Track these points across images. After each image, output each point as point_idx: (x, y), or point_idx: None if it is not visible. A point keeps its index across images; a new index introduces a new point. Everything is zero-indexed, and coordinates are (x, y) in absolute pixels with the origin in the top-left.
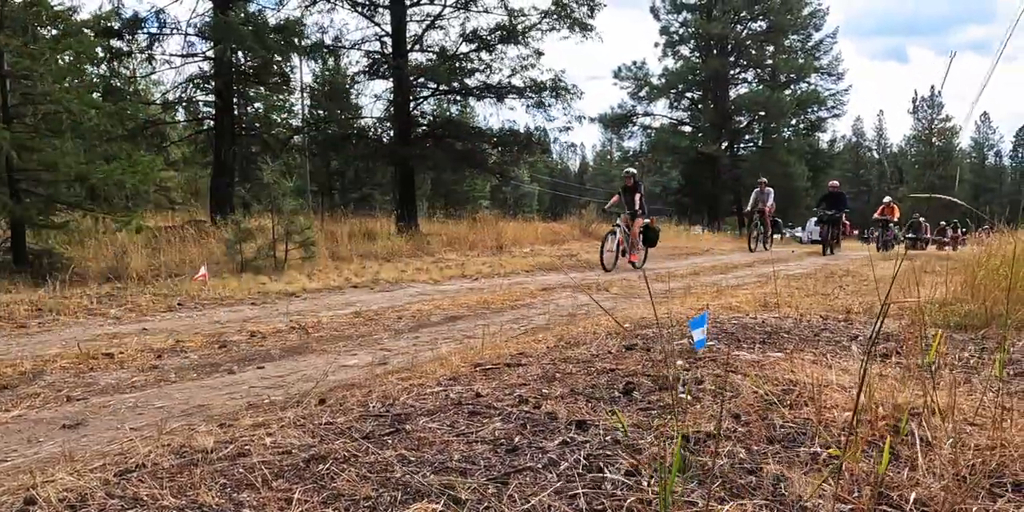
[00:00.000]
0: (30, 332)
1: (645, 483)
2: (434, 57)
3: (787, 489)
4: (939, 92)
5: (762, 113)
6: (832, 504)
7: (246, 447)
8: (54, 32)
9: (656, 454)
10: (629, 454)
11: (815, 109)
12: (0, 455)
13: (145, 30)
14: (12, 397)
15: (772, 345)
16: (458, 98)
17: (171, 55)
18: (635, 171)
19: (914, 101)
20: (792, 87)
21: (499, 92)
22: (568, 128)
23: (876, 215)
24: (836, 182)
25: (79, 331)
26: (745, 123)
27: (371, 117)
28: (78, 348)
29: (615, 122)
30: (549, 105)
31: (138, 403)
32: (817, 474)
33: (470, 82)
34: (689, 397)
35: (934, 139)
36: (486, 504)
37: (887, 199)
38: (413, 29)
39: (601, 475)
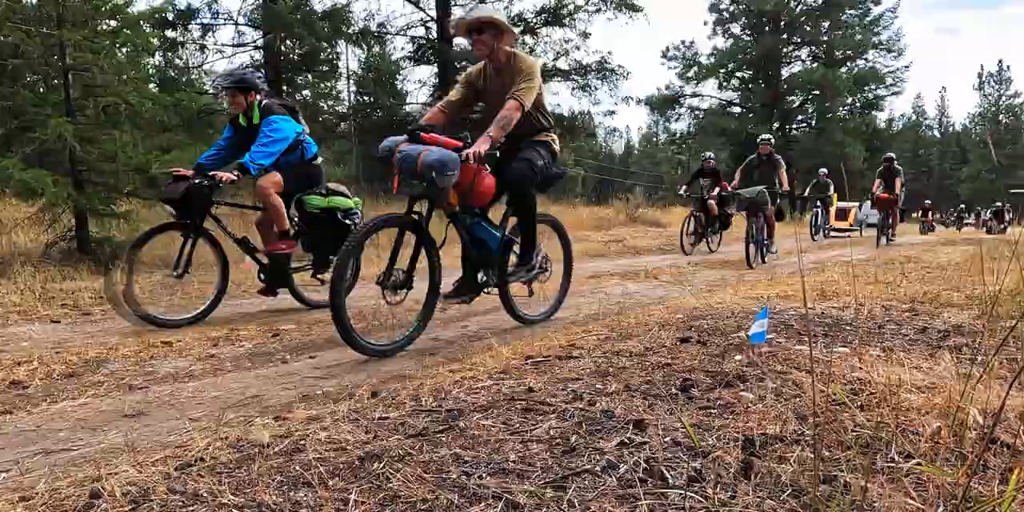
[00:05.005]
0: (94, 319)
1: (710, 490)
2: None
3: (865, 501)
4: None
5: (816, 92)
6: None
7: (301, 442)
8: (112, 24)
9: (720, 458)
10: (691, 457)
11: (873, 87)
12: (67, 444)
13: (198, 20)
14: (78, 385)
15: (835, 338)
16: None
17: (222, 45)
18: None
19: (980, 76)
20: (848, 64)
21: (543, 75)
22: (612, 112)
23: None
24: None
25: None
26: (798, 103)
27: (416, 103)
28: (138, 336)
29: (662, 104)
30: (596, 88)
31: (196, 392)
32: (897, 485)
33: None
34: (751, 396)
35: (1001, 116)
36: (544, 510)
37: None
38: (458, 14)
39: (663, 481)
